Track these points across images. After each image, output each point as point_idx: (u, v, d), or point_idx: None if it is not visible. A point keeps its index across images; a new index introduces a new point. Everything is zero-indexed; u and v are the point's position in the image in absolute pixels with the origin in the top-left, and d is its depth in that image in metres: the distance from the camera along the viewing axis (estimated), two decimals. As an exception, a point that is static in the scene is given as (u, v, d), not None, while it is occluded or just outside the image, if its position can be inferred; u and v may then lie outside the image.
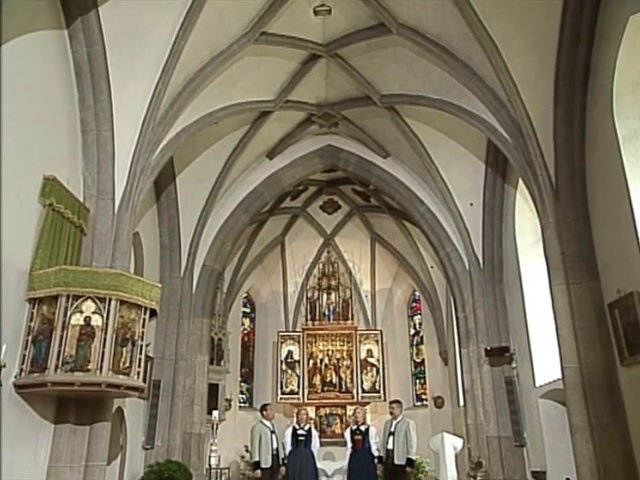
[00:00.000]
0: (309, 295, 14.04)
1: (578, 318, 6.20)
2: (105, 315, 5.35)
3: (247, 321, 14.99)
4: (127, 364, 5.46)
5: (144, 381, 6.16)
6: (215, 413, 9.67)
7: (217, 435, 9.54)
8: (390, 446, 7.51)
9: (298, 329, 14.04)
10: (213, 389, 11.00)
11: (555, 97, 6.42)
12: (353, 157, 10.76)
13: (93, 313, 5.34)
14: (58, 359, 5.10)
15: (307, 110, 9.77)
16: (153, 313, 5.96)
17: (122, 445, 8.11)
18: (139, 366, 5.60)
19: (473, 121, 7.71)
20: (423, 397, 13.97)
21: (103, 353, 5.23)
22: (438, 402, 13.31)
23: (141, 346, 5.66)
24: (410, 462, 7.45)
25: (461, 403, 10.97)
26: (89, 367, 5.17)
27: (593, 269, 6.24)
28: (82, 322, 5.29)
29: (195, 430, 9.50)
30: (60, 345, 5.15)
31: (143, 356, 5.70)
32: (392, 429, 7.61)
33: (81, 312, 5.31)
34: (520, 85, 6.63)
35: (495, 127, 7.38)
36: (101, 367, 5.19)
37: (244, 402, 13.97)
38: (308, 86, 9.07)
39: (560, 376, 6.53)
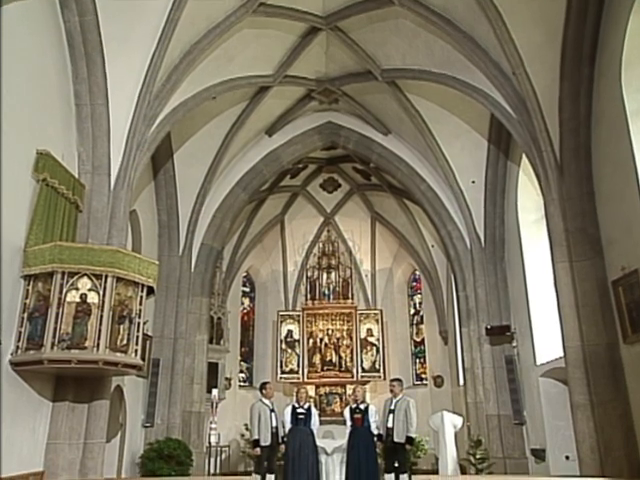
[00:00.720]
0: (309, 274, 13.98)
1: (581, 296, 6.14)
2: (101, 292, 5.30)
3: (247, 300, 14.97)
4: (124, 342, 5.42)
5: (143, 359, 6.14)
6: (215, 392, 9.67)
7: (217, 413, 9.54)
8: (390, 424, 7.46)
9: (298, 308, 14.01)
10: (213, 368, 11.01)
11: (561, 70, 6.25)
12: (353, 134, 10.59)
13: (89, 290, 5.29)
14: (54, 336, 5.07)
15: (307, 85, 9.57)
16: (150, 291, 5.89)
17: (122, 423, 8.12)
18: (137, 344, 5.57)
19: (476, 96, 7.55)
20: (423, 376, 14.01)
21: (100, 330, 5.19)
22: (438, 381, 13.33)
23: (139, 324, 5.61)
24: (410, 440, 7.42)
25: (461, 382, 10.98)
26: (86, 344, 5.13)
27: (597, 246, 6.16)
28: (78, 299, 5.24)
29: (195, 409, 9.53)
30: (56, 322, 5.11)
31: (141, 334, 5.67)
32: (392, 407, 7.56)
33: (77, 289, 5.26)
34: (525, 58, 6.45)
35: (499, 102, 7.22)
36: (98, 344, 5.16)
37: (244, 381, 14.02)
38: (308, 60, 8.87)
39: (561, 354, 6.49)
